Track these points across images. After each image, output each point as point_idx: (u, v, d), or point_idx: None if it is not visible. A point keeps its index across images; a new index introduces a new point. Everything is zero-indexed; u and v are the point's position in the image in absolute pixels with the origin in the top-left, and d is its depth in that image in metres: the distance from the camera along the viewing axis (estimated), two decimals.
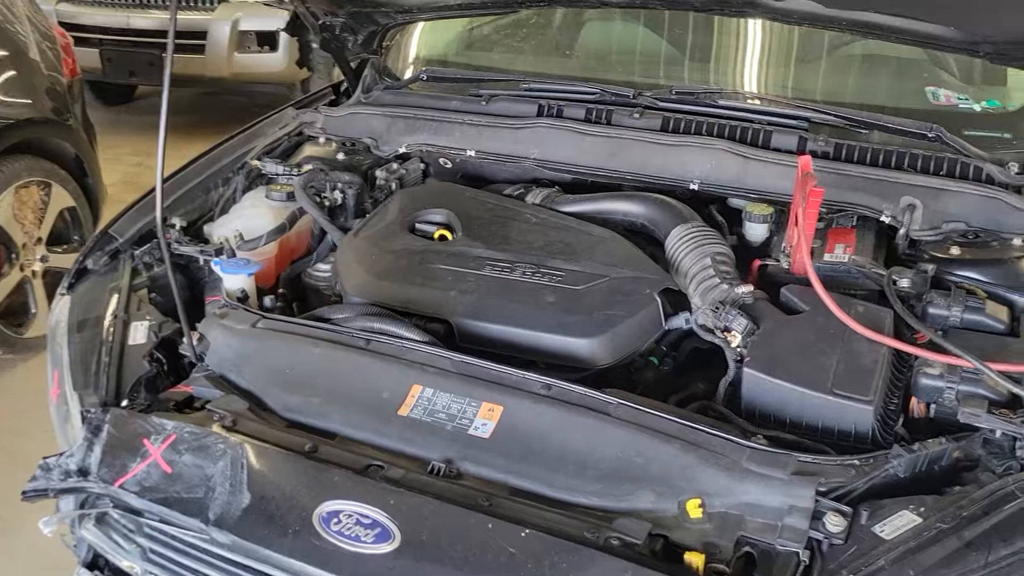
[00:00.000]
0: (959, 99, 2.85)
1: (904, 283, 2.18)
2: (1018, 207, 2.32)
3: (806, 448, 1.74)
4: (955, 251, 2.24)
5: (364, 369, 1.94)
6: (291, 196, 2.63)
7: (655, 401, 1.90)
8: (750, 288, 2.08)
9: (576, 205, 2.53)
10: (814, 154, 2.56)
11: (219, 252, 2.39)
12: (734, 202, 2.60)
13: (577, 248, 2.29)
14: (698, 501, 1.64)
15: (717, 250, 2.23)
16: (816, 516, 1.58)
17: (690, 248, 2.25)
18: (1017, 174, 2.44)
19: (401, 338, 2.01)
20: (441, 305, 2.14)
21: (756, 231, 2.41)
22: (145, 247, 2.45)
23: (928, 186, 2.40)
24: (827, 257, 2.26)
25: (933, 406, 1.84)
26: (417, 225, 2.47)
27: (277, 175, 2.77)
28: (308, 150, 2.94)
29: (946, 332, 2.01)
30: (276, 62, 7.14)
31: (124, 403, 2.00)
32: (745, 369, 1.89)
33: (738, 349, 2.00)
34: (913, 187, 2.40)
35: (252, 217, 2.58)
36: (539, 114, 2.82)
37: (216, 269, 2.35)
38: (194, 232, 2.57)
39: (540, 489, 1.71)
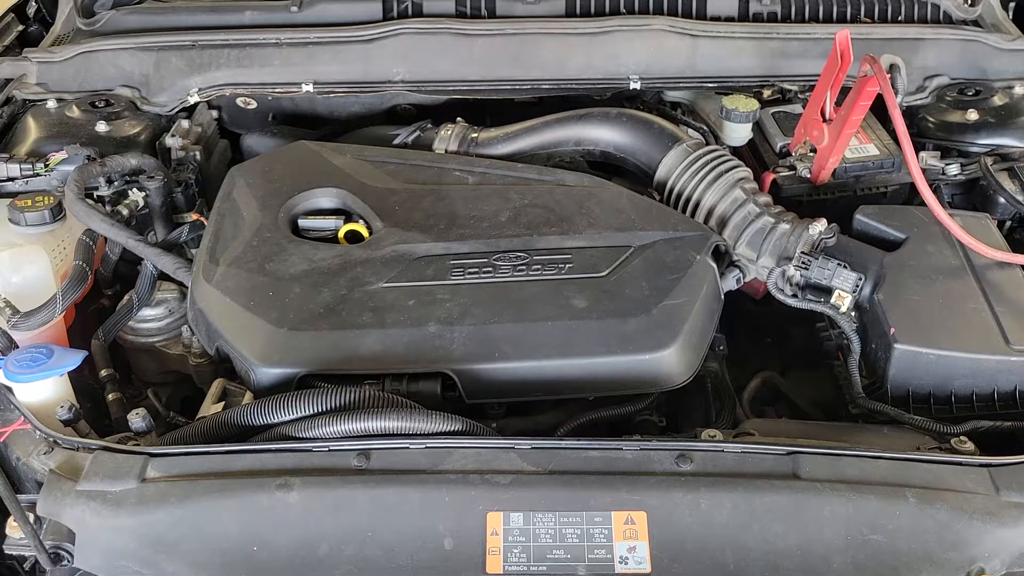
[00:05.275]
0: None
1: (953, 170, 1.77)
2: (1000, 48, 2.00)
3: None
4: (973, 115, 1.86)
5: (391, 508, 1.17)
6: (57, 212, 1.62)
7: (808, 424, 1.36)
8: (824, 223, 1.55)
9: (511, 143, 1.79)
10: (759, 17, 2.04)
11: None
12: (672, 95, 2.03)
13: (561, 211, 1.59)
14: None
15: (740, 175, 1.66)
16: None
17: (705, 179, 1.65)
18: (969, 6, 2.11)
19: (415, 436, 1.25)
20: (421, 351, 1.38)
21: (740, 132, 1.86)
22: None
23: (904, 37, 2.00)
24: (846, 152, 1.78)
25: None
26: (301, 223, 1.62)
27: (11, 180, 1.72)
28: (36, 125, 1.86)
29: None
30: None
31: None
32: (897, 346, 1.39)
33: (854, 315, 1.49)
34: (889, 42, 1.97)
35: (8, 264, 1.56)
36: (387, 15, 1.99)
37: None
38: None
39: None
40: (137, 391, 1.61)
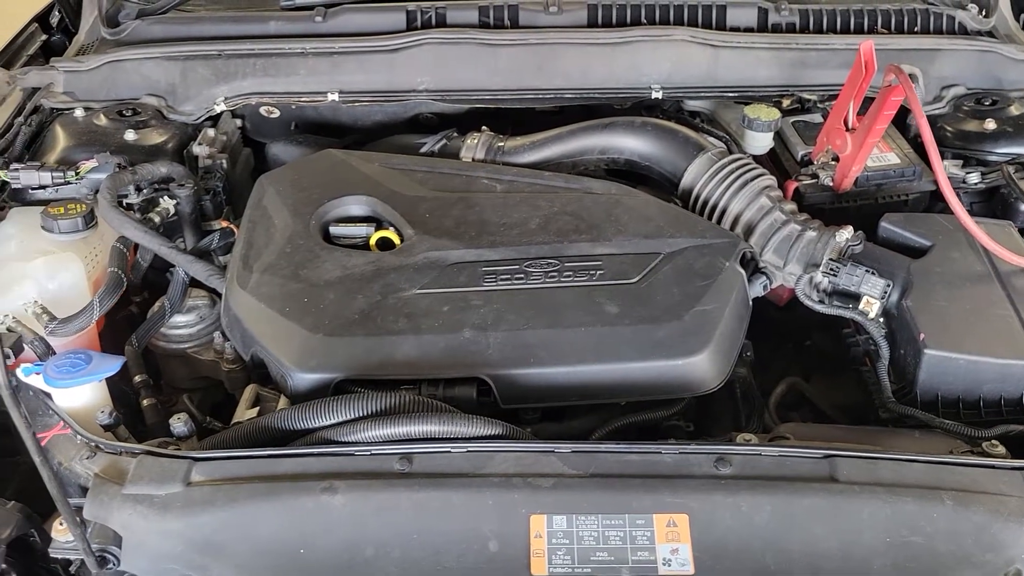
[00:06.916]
0: None
1: (973, 179, 1.80)
2: (1015, 58, 2.03)
3: None
4: (991, 125, 1.89)
5: (435, 512, 1.19)
6: (89, 220, 1.64)
7: (841, 428, 1.38)
8: (851, 230, 1.57)
9: (537, 151, 1.81)
10: (778, 28, 2.06)
11: (17, 349, 1.42)
12: (692, 104, 2.05)
13: (590, 218, 1.61)
14: None
15: (765, 183, 1.69)
16: None
17: (731, 187, 1.68)
18: (984, 17, 2.14)
19: (456, 440, 1.27)
20: (457, 356, 1.40)
21: (761, 141, 1.88)
22: None
23: (921, 48, 2.02)
24: (868, 161, 1.81)
25: None
26: (333, 230, 1.63)
27: (43, 187, 1.74)
28: (64, 134, 1.88)
29: None
30: None
31: None
32: (927, 352, 1.41)
33: (883, 320, 1.51)
34: (906, 52, 2.00)
35: (44, 271, 1.57)
36: (410, 25, 2.01)
37: (35, 382, 1.38)
38: None
39: None
40: (168, 397, 1.62)
